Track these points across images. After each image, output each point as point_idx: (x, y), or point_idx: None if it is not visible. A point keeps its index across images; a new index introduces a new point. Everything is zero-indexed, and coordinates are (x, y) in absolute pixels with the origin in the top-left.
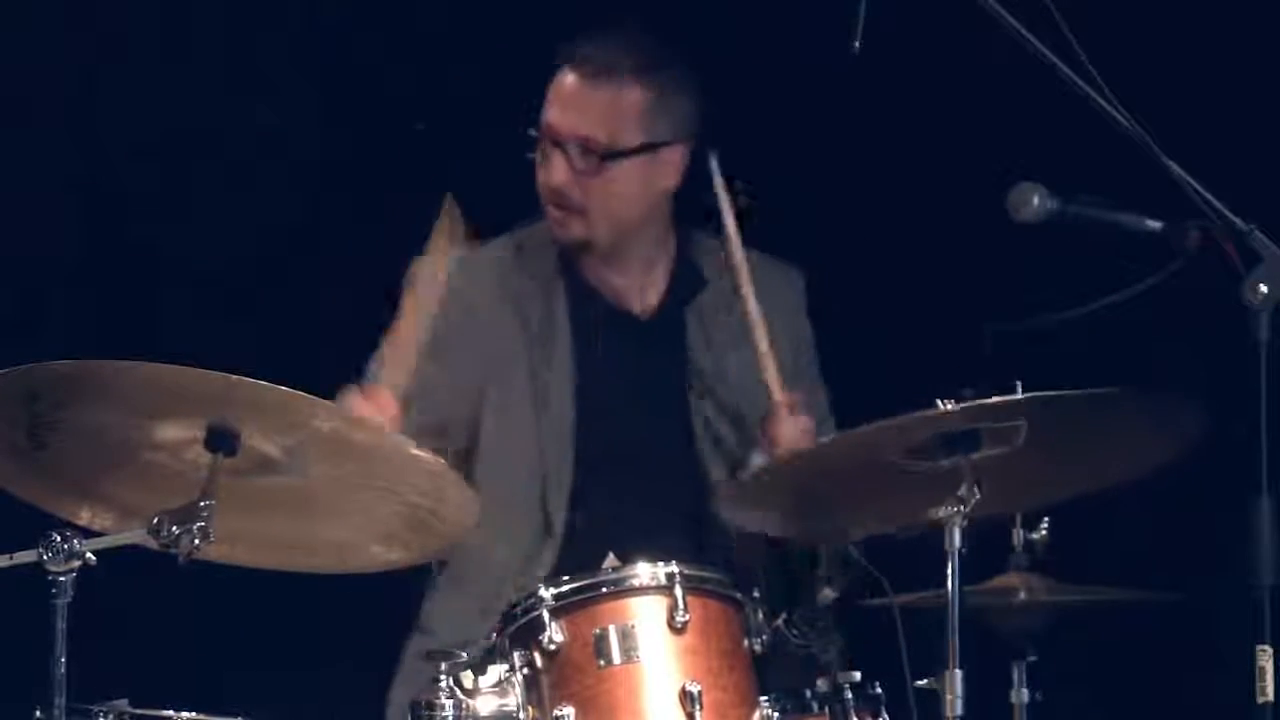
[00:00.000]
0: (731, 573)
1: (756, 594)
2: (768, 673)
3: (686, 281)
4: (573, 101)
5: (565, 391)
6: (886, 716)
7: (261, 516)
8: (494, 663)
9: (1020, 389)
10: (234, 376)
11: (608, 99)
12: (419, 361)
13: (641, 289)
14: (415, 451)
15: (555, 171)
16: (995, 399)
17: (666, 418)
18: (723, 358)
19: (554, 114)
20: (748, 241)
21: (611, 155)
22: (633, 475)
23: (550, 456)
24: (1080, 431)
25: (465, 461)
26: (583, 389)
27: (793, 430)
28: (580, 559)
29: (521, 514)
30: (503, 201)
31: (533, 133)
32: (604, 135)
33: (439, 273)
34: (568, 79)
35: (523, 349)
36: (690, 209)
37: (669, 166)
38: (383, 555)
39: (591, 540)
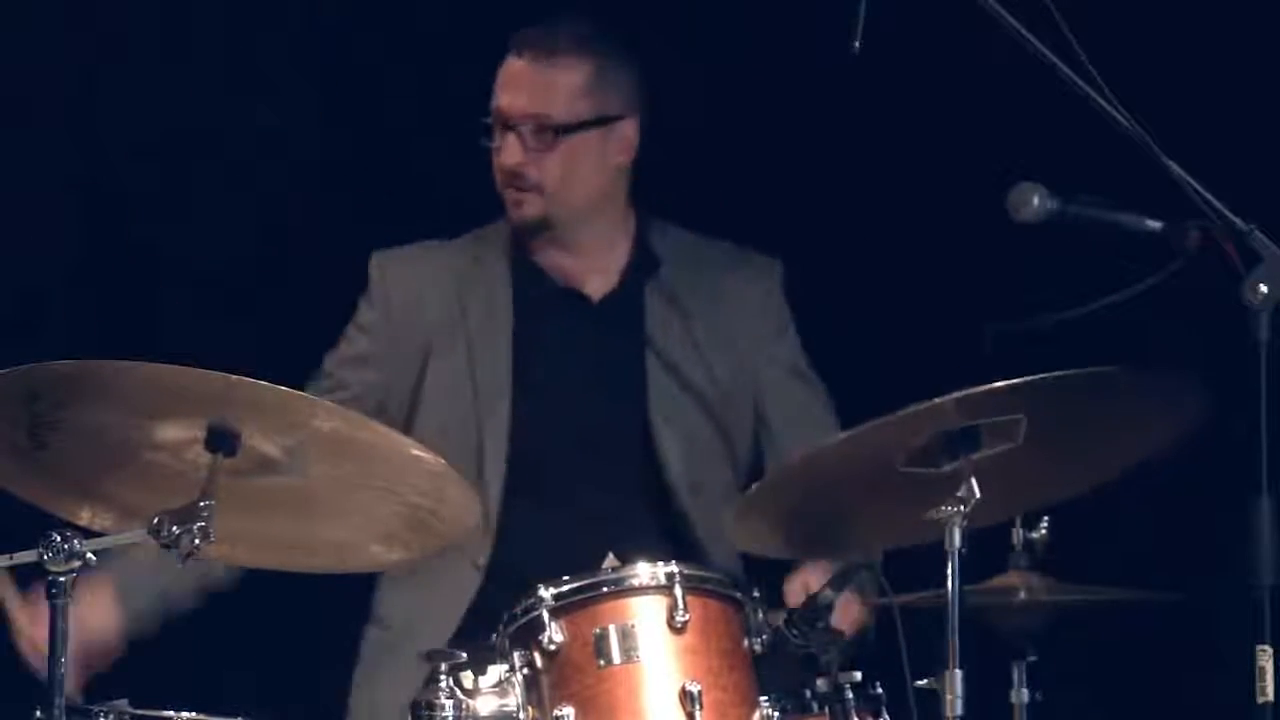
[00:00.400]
0: (689, 558)
1: (756, 594)
2: (767, 673)
3: (645, 263)
4: (520, 82)
5: (502, 374)
6: (887, 716)
7: (261, 516)
8: (494, 663)
9: None
10: (234, 376)
11: (554, 75)
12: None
13: (597, 271)
14: (415, 451)
15: (509, 152)
16: (996, 384)
17: (622, 400)
18: (690, 336)
19: (504, 98)
20: (725, 233)
21: (565, 129)
22: (584, 457)
23: (488, 439)
24: (1080, 419)
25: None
26: (522, 371)
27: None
28: (527, 543)
29: None
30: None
31: (486, 120)
32: (554, 110)
33: None
34: (514, 64)
35: (461, 333)
36: (650, 194)
37: (622, 141)
38: (383, 555)
39: (537, 524)
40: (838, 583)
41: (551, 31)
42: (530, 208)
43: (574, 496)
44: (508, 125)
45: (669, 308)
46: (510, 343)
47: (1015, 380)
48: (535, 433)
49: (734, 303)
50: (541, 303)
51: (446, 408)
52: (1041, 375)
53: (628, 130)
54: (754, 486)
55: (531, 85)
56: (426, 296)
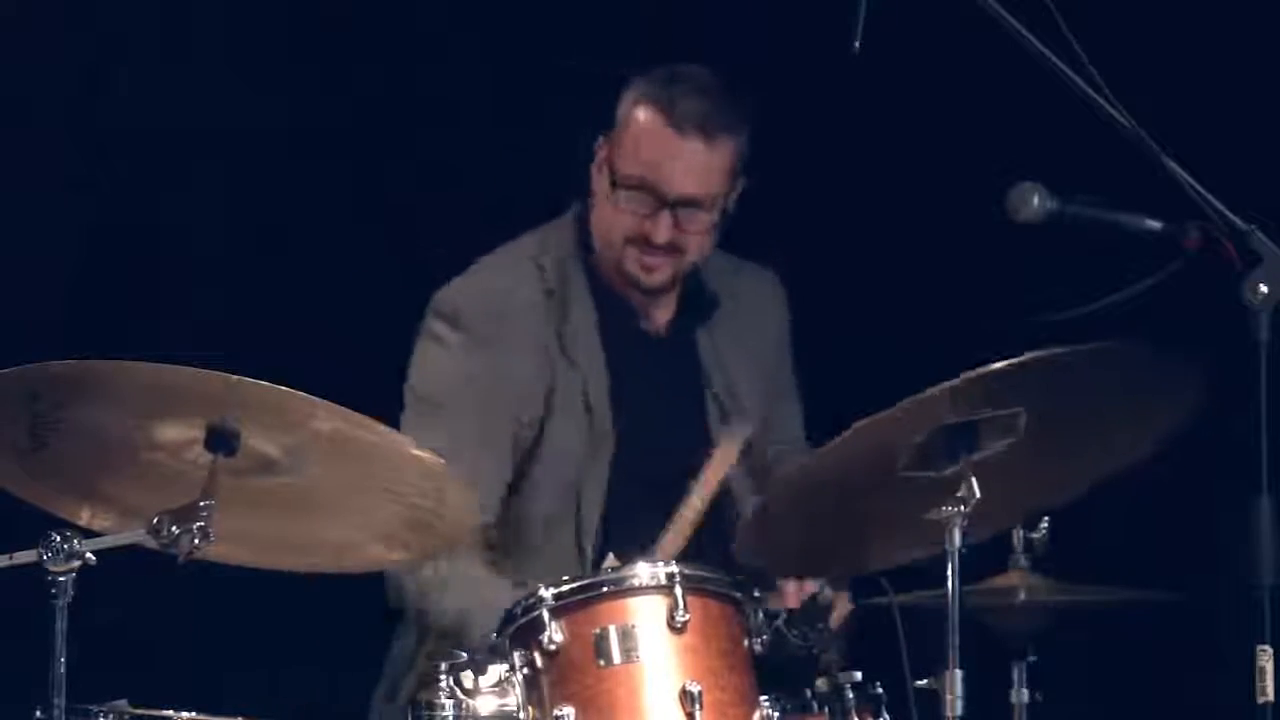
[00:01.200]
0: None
1: (757, 594)
2: (768, 673)
3: (697, 298)
4: (684, 160)
5: (607, 418)
6: (887, 716)
7: (261, 516)
8: (494, 663)
9: None
10: (234, 376)
11: (716, 158)
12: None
13: (658, 305)
14: (416, 452)
15: (663, 229)
16: (996, 365)
17: (688, 432)
18: (732, 374)
19: (660, 172)
20: (727, 245)
21: (722, 207)
22: (661, 490)
23: (589, 475)
24: (1079, 405)
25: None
26: (617, 408)
27: None
28: None
29: (557, 533)
30: (502, 200)
31: (621, 182)
32: (715, 191)
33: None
34: (674, 137)
35: (565, 367)
36: None
37: (735, 197)
38: (383, 556)
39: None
40: (837, 582)
41: (706, 99)
42: (662, 274)
43: (650, 530)
44: (662, 201)
45: (709, 336)
46: (606, 377)
47: (1015, 359)
48: (627, 473)
49: (757, 325)
50: (628, 341)
51: (565, 450)
52: (1041, 352)
53: (740, 187)
54: (758, 502)
55: (694, 168)
56: (525, 331)
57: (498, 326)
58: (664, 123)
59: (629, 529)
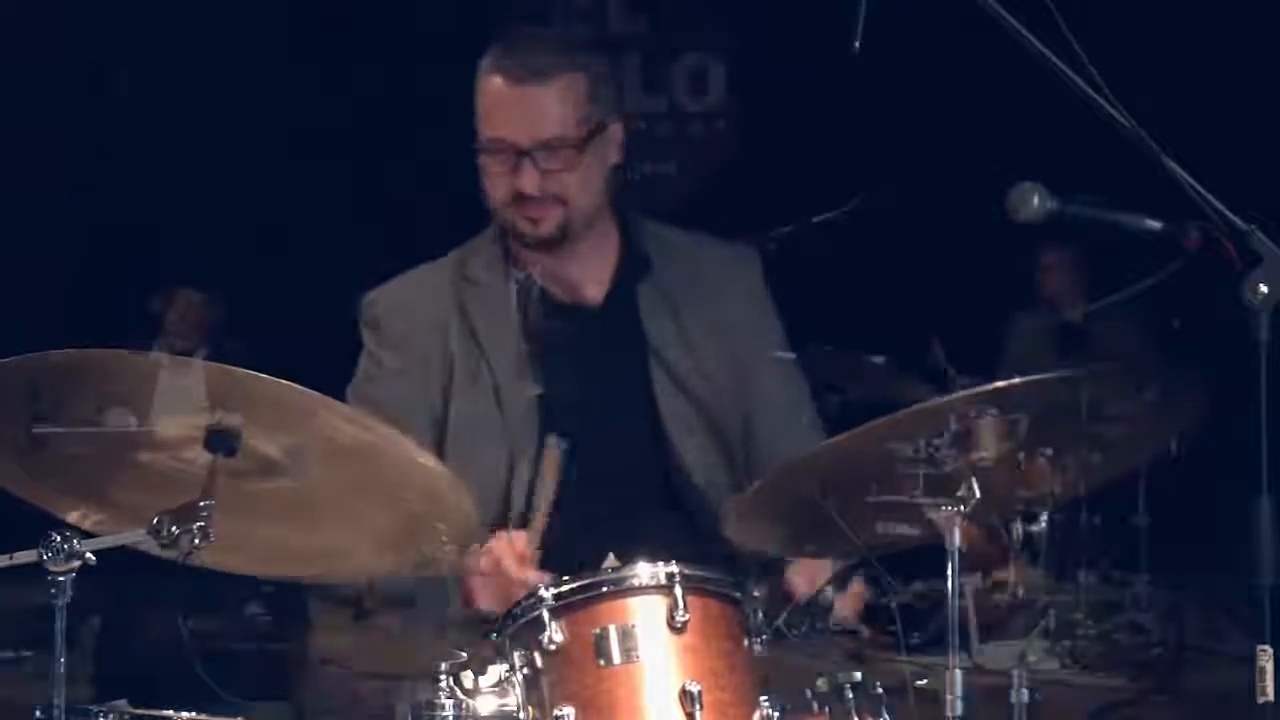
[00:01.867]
0: (711, 560)
1: (757, 594)
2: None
3: (634, 264)
4: (523, 109)
5: (525, 396)
6: (887, 716)
7: (261, 523)
8: (494, 663)
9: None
10: (234, 374)
11: (555, 94)
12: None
13: (592, 278)
14: (419, 459)
15: (528, 179)
16: (998, 383)
17: (631, 405)
18: (682, 334)
19: (508, 128)
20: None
21: (582, 145)
22: (602, 470)
23: (517, 468)
24: (1080, 418)
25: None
26: (543, 395)
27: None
28: (562, 565)
29: (489, 519)
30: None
31: (482, 147)
32: (568, 131)
33: None
34: (509, 91)
35: (478, 357)
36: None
37: (615, 143)
38: (378, 564)
39: (565, 540)
40: (838, 582)
41: (536, 48)
42: (548, 224)
43: (600, 514)
44: (519, 152)
45: (661, 307)
46: (527, 363)
47: (1017, 380)
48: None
49: (721, 296)
50: (548, 320)
51: (474, 442)
52: (1042, 375)
53: (617, 133)
54: (753, 486)
55: (536, 111)
56: (435, 329)
57: (411, 319)
58: (500, 79)
59: (578, 513)
